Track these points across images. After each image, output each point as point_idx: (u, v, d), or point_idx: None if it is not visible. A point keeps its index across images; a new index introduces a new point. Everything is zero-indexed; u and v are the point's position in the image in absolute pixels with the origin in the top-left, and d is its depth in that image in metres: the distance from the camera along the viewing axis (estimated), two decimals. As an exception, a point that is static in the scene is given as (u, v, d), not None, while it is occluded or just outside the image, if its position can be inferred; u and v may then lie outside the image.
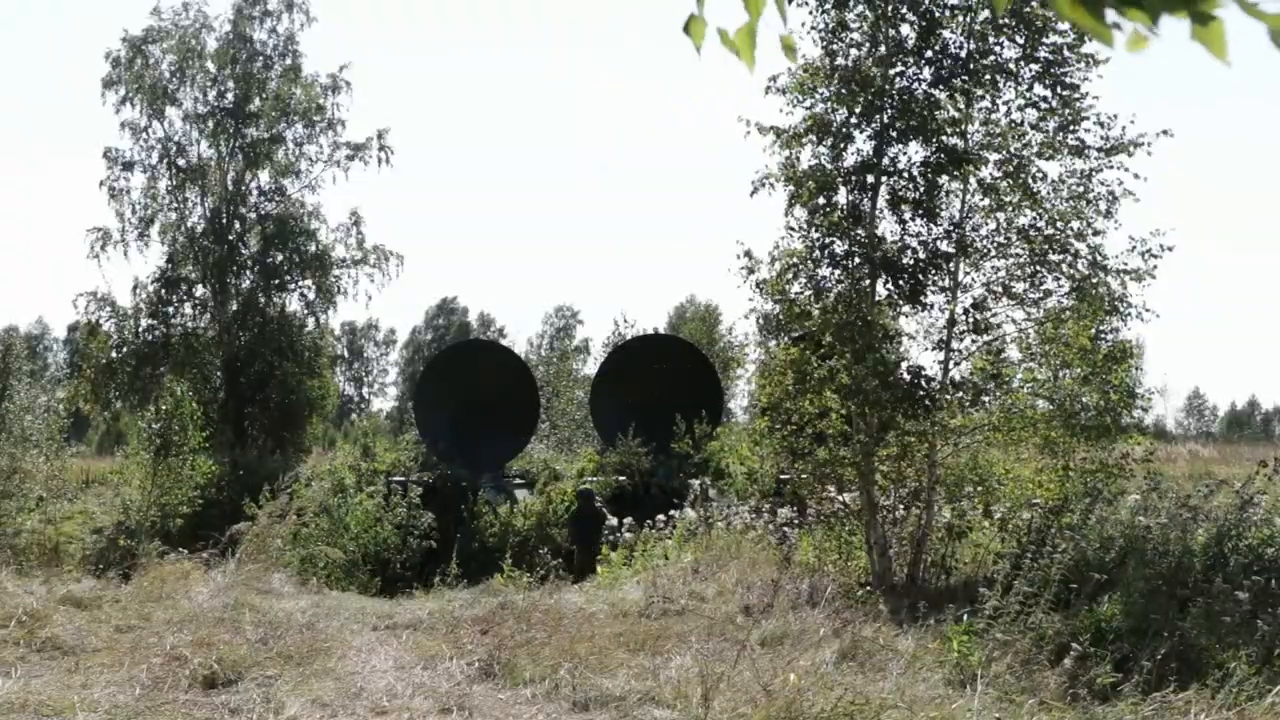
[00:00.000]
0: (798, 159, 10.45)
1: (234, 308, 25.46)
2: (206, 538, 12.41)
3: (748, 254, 10.66)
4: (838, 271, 10.53)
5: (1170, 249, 10.33)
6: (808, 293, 10.58)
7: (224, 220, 25.32)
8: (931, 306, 10.57)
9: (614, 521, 15.24)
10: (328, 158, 25.77)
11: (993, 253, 10.65)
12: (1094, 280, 10.37)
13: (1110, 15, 1.65)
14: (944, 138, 10.35)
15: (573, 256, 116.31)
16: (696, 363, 21.69)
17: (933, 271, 10.48)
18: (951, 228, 10.53)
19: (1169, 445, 33.05)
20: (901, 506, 10.79)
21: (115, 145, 25.49)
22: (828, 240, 10.47)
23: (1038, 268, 10.50)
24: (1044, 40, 10.24)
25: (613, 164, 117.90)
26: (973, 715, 5.72)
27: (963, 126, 10.46)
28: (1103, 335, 10.55)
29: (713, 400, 20.59)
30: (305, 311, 26.13)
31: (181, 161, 25.27)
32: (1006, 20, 10.22)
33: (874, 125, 10.33)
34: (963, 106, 10.41)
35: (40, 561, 13.13)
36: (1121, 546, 8.70)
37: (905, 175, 10.39)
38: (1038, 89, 10.38)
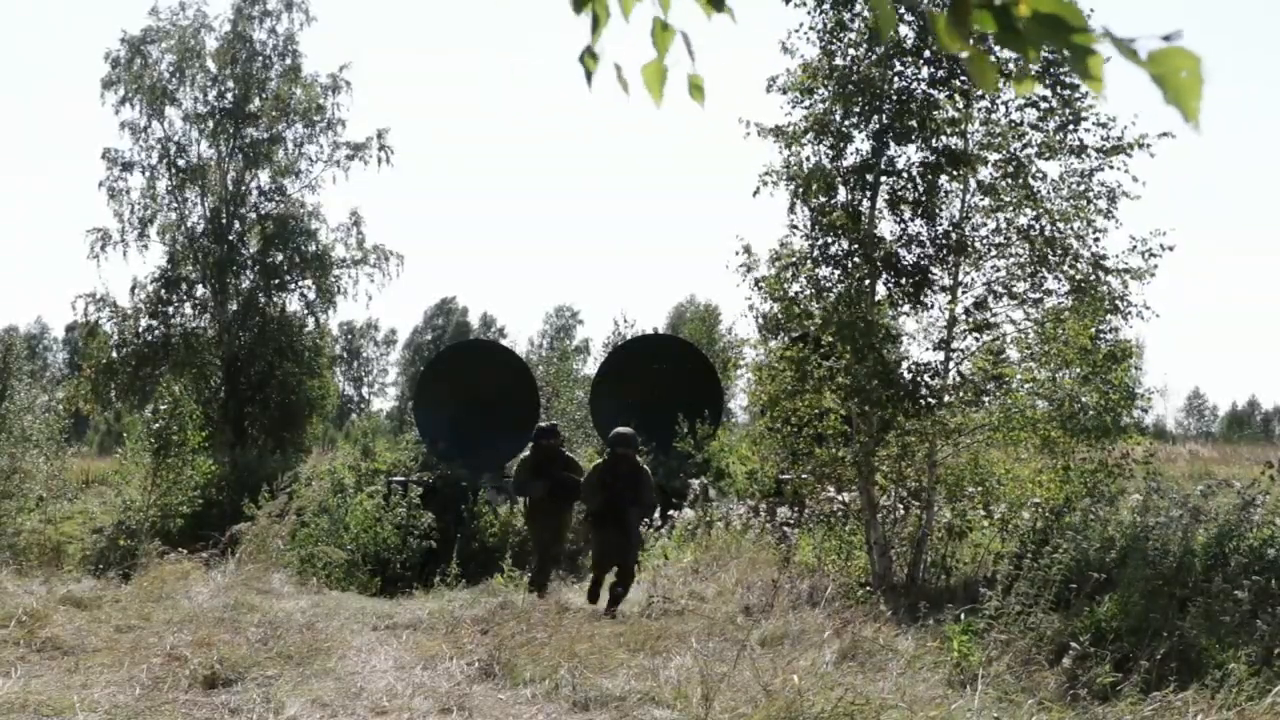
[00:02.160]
0: (800, 159, 10.46)
1: (234, 308, 25.46)
2: (206, 538, 12.41)
3: (746, 249, 10.67)
4: (838, 271, 10.54)
5: (1170, 249, 10.34)
6: (808, 292, 10.59)
7: (224, 220, 25.32)
8: (931, 306, 10.58)
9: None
10: (328, 158, 25.78)
11: (993, 252, 10.66)
12: (1094, 280, 10.37)
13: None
14: (943, 138, 10.35)
15: (573, 256, 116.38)
16: (696, 363, 21.67)
17: (933, 271, 10.49)
18: (951, 228, 10.54)
19: (1169, 445, 33.04)
20: (901, 506, 10.80)
21: (114, 145, 25.52)
22: (828, 240, 10.48)
23: (1038, 268, 10.50)
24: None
25: (613, 164, 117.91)
26: (973, 715, 5.73)
27: (962, 127, 10.46)
28: (1102, 335, 10.56)
29: (713, 400, 20.57)
30: (305, 311, 26.15)
31: (181, 162, 25.26)
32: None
33: (873, 125, 10.33)
34: (962, 107, 10.42)
35: (40, 561, 13.13)
36: (1121, 546, 8.70)
37: (905, 175, 10.39)
38: (1038, 89, 10.38)
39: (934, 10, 1.64)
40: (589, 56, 1.93)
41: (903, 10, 10.27)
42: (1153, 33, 1.54)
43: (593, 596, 9.85)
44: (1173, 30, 1.52)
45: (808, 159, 10.45)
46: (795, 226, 10.54)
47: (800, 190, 10.37)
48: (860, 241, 10.32)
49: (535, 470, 10.58)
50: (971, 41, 1.65)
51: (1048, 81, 10.30)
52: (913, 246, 10.47)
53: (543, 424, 11.69)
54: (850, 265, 10.46)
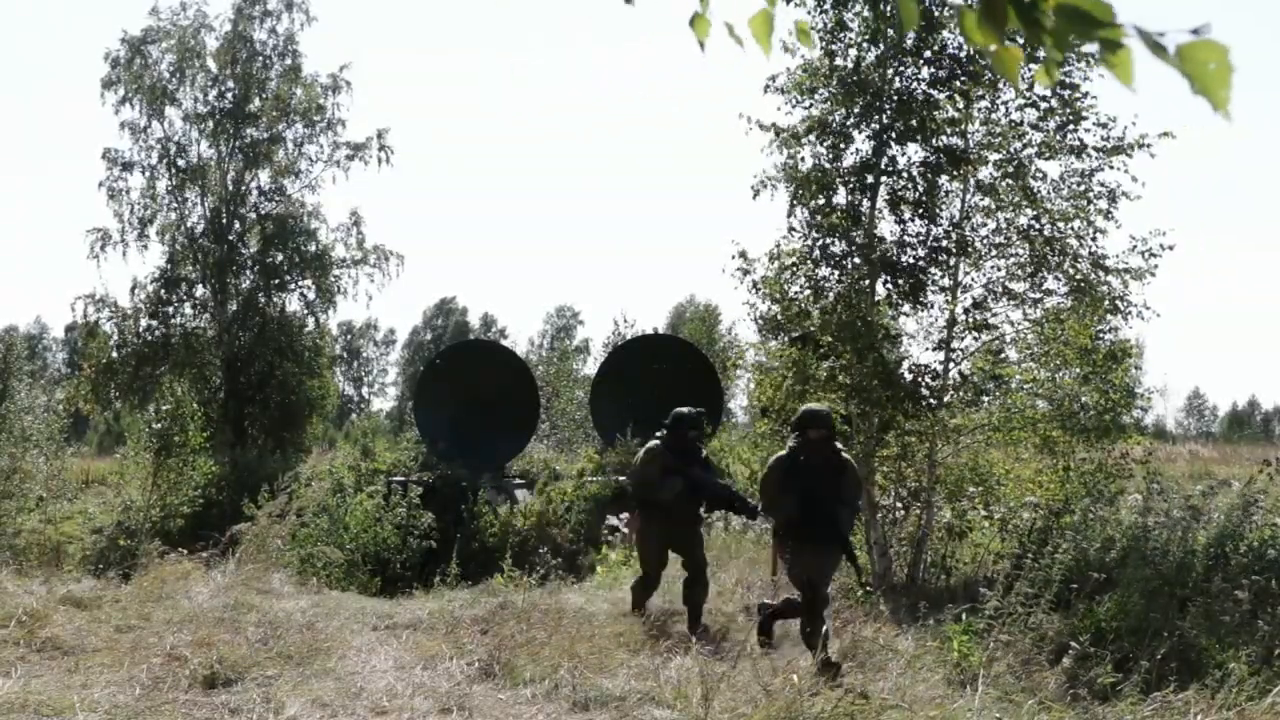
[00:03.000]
0: (799, 159, 10.46)
1: (234, 308, 25.46)
2: (206, 538, 12.40)
3: (742, 254, 10.67)
4: (837, 272, 10.54)
5: (1170, 248, 10.35)
6: (807, 293, 10.60)
7: (224, 220, 25.32)
8: (931, 306, 10.59)
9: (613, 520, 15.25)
10: (328, 158, 25.78)
11: (993, 253, 10.66)
12: (1094, 280, 10.38)
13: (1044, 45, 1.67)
14: (943, 138, 10.36)
15: (572, 256, 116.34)
16: (696, 363, 21.68)
17: (932, 271, 10.50)
18: (951, 228, 10.54)
19: (1169, 445, 33.05)
20: (901, 506, 10.80)
21: (114, 146, 25.53)
22: (827, 240, 10.49)
23: (1038, 268, 10.51)
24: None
25: (613, 164, 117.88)
26: (973, 715, 5.73)
27: (962, 127, 10.47)
28: (1102, 335, 10.56)
29: (713, 400, 20.58)
30: (305, 311, 26.16)
31: (181, 162, 25.26)
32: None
33: (873, 125, 10.34)
34: (962, 107, 10.42)
35: (40, 561, 13.14)
36: (1122, 546, 8.70)
37: (905, 175, 10.40)
38: (1038, 89, 10.39)
39: (964, 6, 1.65)
40: (700, 20, 1.95)
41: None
42: (1177, 27, 1.56)
43: (811, 640, 7.12)
44: (1201, 24, 1.55)
45: (803, 160, 10.45)
46: (793, 229, 10.55)
47: (799, 191, 10.37)
48: (860, 242, 10.32)
49: (666, 466, 8.33)
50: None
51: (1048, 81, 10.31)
52: (909, 249, 10.47)
53: (685, 410, 8.73)
54: (850, 265, 10.46)
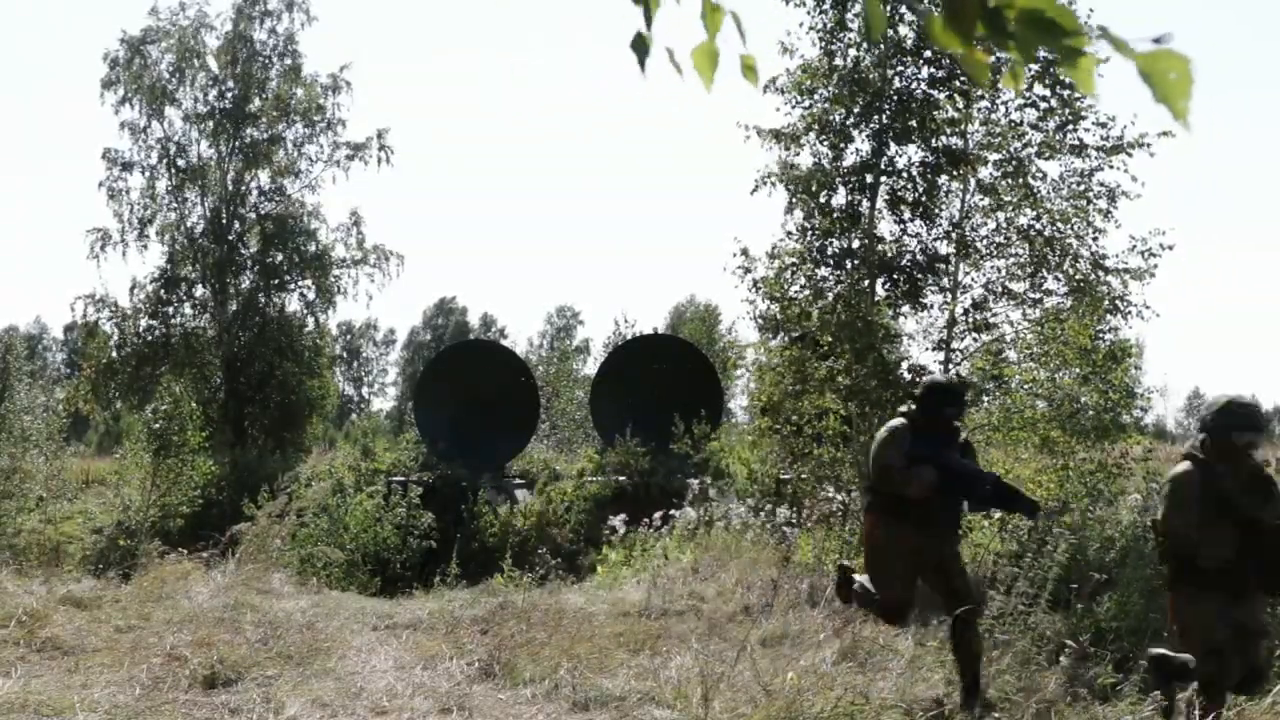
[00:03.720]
0: (797, 161, 10.47)
1: (234, 308, 25.47)
2: (206, 538, 12.41)
3: (744, 252, 10.68)
4: (837, 272, 10.55)
5: (1170, 248, 10.36)
6: (806, 293, 10.61)
7: (223, 220, 25.32)
8: (931, 306, 10.60)
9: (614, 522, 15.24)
10: (328, 157, 25.80)
11: (992, 252, 10.67)
12: (1094, 280, 10.38)
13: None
14: (943, 138, 10.36)
15: (573, 256, 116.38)
16: (696, 363, 21.69)
17: (931, 273, 10.51)
18: (951, 228, 10.55)
19: (1169, 445, 33.01)
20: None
21: (114, 146, 25.54)
22: (826, 241, 10.49)
23: (1037, 268, 10.52)
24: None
25: (613, 164, 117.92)
26: (973, 715, 5.73)
27: (962, 127, 10.47)
28: (1102, 335, 10.57)
29: (713, 400, 20.59)
30: (305, 311, 26.17)
31: (181, 162, 25.27)
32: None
33: (873, 125, 10.34)
34: (962, 107, 10.43)
35: (40, 561, 13.14)
36: (1121, 546, 8.70)
37: (904, 175, 10.40)
38: (1038, 89, 10.40)
39: (931, 10, 1.67)
40: (641, 41, 1.93)
41: (902, 10, 10.29)
42: (1145, 35, 1.60)
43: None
44: (1163, 33, 1.59)
45: (807, 160, 10.47)
46: (791, 232, 10.55)
47: (798, 191, 10.38)
48: (859, 242, 10.33)
49: (915, 452, 6.01)
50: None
51: (1047, 81, 10.32)
52: (908, 249, 10.48)
53: (939, 379, 6.99)
54: (850, 265, 10.47)
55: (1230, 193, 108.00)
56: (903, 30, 10.34)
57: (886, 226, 10.54)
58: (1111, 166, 10.35)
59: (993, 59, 1.73)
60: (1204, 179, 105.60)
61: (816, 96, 10.39)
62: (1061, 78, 10.27)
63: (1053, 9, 1.61)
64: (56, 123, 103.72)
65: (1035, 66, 10.36)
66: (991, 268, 10.69)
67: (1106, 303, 10.37)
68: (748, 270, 10.68)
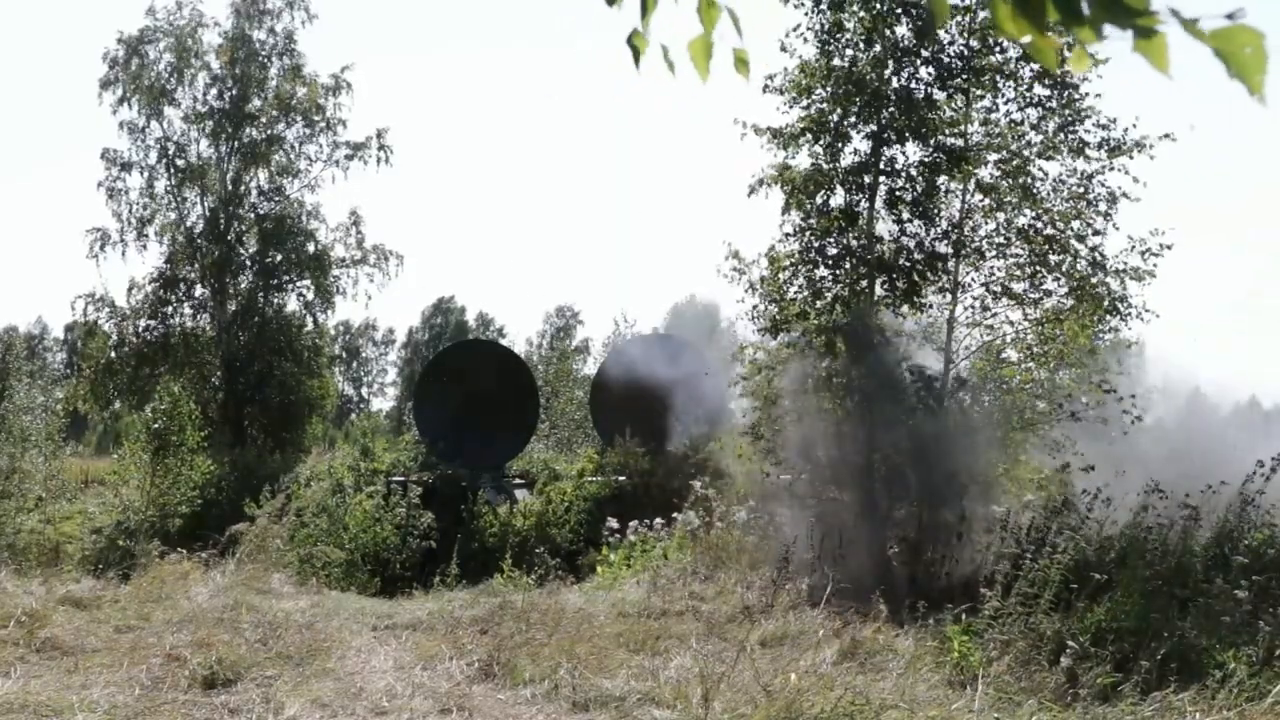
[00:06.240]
0: (794, 161, 10.45)
1: (233, 308, 25.45)
2: (206, 538, 12.40)
3: (736, 255, 10.68)
4: (836, 272, 10.53)
5: (1170, 248, 10.35)
6: (805, 293, 10.59)
7: (223, 220, 25.30)
8: (930, 306, 10.58)
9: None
10: (327, 157, 25.76)
11: (992, 253, 10.66)
12: (1094, 280, 10.37)
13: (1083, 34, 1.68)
14: (942, 138, 10.35)
15: (573, 256, 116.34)
16: (696, 363, 21.69)
17: (929, 272, 10.48)
18: (950, 228, 10.53)
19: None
20: (901, 507, 10.78)
21: (113, 146, 25.51)
22: (824, 241, 10.48)
23: (1037, 268, 10.51)
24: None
25: (613, 164, 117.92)
26: (973, 715, 5.72)
27: (961, 127, 10.46)
28: (1102, 335, 10.57)
29: (712, 400, 20.59)
30: (304, 311, 26.15)
31: (180, 161, 25.24)
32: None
33: (871, 126, 10.33)
34: (961, 106, 10.41)
35: (40, 561, 13.14)
36: (1121, 547, 8.70)
37: (903, 175, 10.39)
38: (1038, 89, 10.39)
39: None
40: (637, 37, 1.94)
41: (900, 11, 10.27)
42: (1213, 12, 1.59)
43: None
44: (1235, 9, 1.58)
45: (805, 160, 10.44)
46: (789, 233, 10.53)
47: (796, 191, 10.36)
48: (857, 242, 10.31)
49: None
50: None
51: (1048, 81, 10.30)
52: (907, 249, 10.46)
53: None
54: (849, 265, 10.45)
55: (1231, 192, 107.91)
56: (901, 30, 10.32)
57: (885, 226, 10.52)
58: (1113, 169, 10.35)
59: (1064, 42, 1.73)
60: (1205, 177, 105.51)
61: (814, 96, 10.37)
62: (1064, 78, 10.26)
63: None
64: (56, 123, 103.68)
65: (1036, 66, 10.35)
66: (991, 268, 10.68)
67: (1106, 303, 10.36)
68: (742, 272, 10.68)
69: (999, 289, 10.60)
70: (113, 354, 24.96)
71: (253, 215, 25.54)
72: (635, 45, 1.96)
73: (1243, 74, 1.58)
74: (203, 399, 23.19)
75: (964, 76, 10.23)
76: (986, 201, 10.58)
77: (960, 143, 10.41)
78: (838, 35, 10.32)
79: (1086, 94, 10.31)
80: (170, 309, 25.30)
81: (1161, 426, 11.80)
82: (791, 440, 10.88)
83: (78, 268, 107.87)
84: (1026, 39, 1.71)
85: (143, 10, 25.96)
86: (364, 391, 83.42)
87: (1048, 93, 10.33)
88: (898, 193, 10.39)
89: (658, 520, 13.07)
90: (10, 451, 16.37)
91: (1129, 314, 10.45)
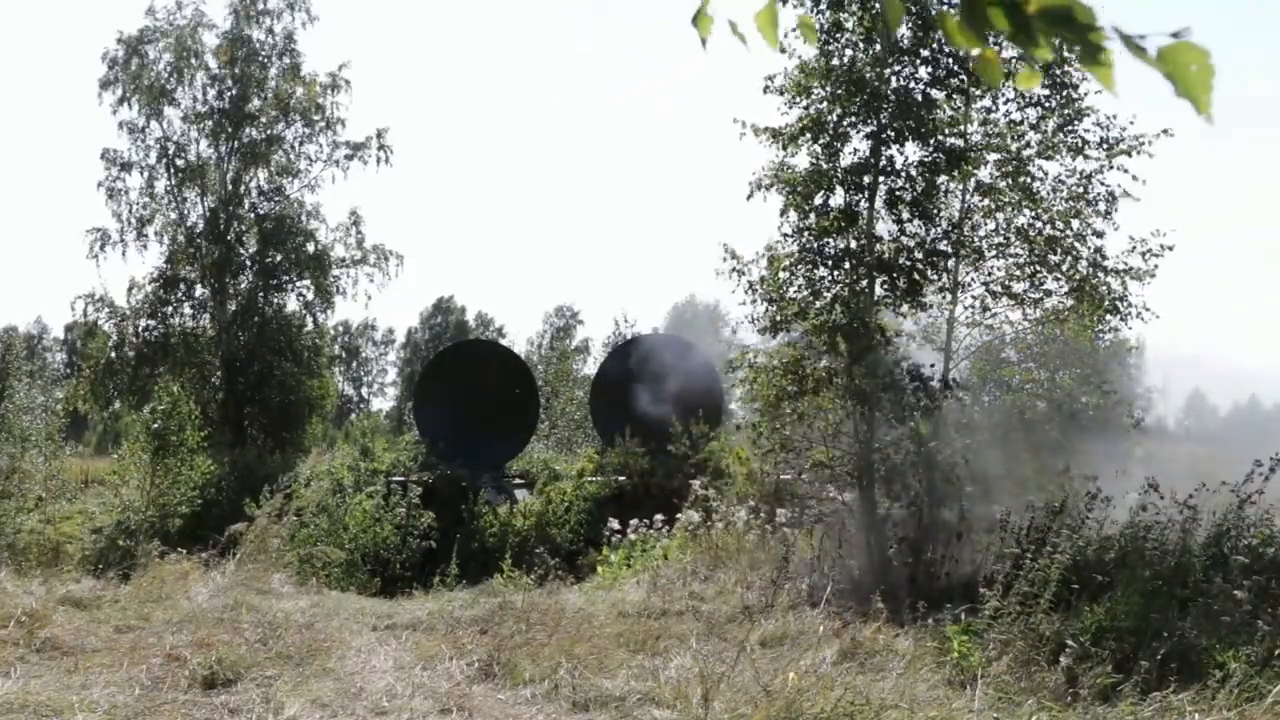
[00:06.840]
0: (793, 162, 10.45)
1: (233, 308, 25.45)
2: (206, 538, 12.41)
3: (733, 255, 10.67)
4: (835, 272, 10.53)
5: (1170, 248, 10.35)
6: (804, 294, 10.59)
7: (222, 220, 25.30)
8: (930, 306, 10.58)
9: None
10: (327, 157, 25.75)
11: (992, 253, 10.66)
12: (1094, 280, 10.37)
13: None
14: (941, 138, 10.35)
15: (573, 256, 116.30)
16: (696, 362, 21.70)
17: (930, 272, 10.49)
18: (950, 228, 10.53)
19: (1169, 445, 32.98)
20: (901, 506, 10.79)
21: (113, 146, 25.50)
22: (824, 241, 10.47)
23: (1037, 268, 10.51)
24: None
25: (613, 164, 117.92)
26: (973, 715, 5.73)
27: (961, 126, 10.46)
28: (1102, 335, 10.57)
29: (712, 400, 20.60)
30: (304, 311, 26.15)
31: (180, 161, 25.24)
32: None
33: (871, 125, 10.33)
34: (961, 106, 10.41)
35: (40, 561, 13.14)
36: (1121, 546, 8.70)
37: (903, 175, 10.39)
38: (1037, 89, 10.38)
39: (945, 10, 1.67)
40: (702, 19, 1.96)
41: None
42: (1160, 30, 1.56)
43: None
44: (1181, 27, 1.55)
45: (804, 161, 10.44)
46: (787, 234, 10.52)
47: (794, 192, 10.36)
48: (857, 242, 10.31)
49: None
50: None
51: (1046, 81, 10.30)
52: (906, 249, 10.46)
53: None
54: (848, 265, 10.45)
55: (1231, 191, 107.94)
56: (901, 30, 10.32)
57: (885, 226, 10.52)
58: (1112, 168, 10.35)
59: (1009, 57, 1.73)
60: (1204, 177, 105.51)
61: (814, 96, 10.36)
62: (1061, 78, 10.26)
63: (1071, 3, 1.60)
64: (56, 123, 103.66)
65: (1041, 63, 10.33)
66: (991, 268, 10.68)
67: (1106, 303, 10.36)
68: (741, 272, 10.67)
69: (999, 289, 10.60)
70: (113, 354, 24.96)
71: (253, 215, 25.54)
72: (701, 27, 1.98)
73: (1190, 93, 1.55)
74: (203, 399, 23.18)
75: (963, 77, 10.23)
76: (986, 201, 10.59)
77: (960, 143, 10.41)
78: (836, 35, 10.32)
79: (1086, 93, 10.32)
80: (170, 309, 25.30)
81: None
82: (791, 440, 10.88)
83: (78, 268, 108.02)
84: (975, 51, 1.70)
85: (143, 10, 25.92)
86: (364, 391, 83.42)
87: (1046, 92, 10.33)
88: (897, 193, 10.39)
89: (658, 517, 13.08)
90: (10, 451, 16.37)
91: (1129, 314, 10.46)
